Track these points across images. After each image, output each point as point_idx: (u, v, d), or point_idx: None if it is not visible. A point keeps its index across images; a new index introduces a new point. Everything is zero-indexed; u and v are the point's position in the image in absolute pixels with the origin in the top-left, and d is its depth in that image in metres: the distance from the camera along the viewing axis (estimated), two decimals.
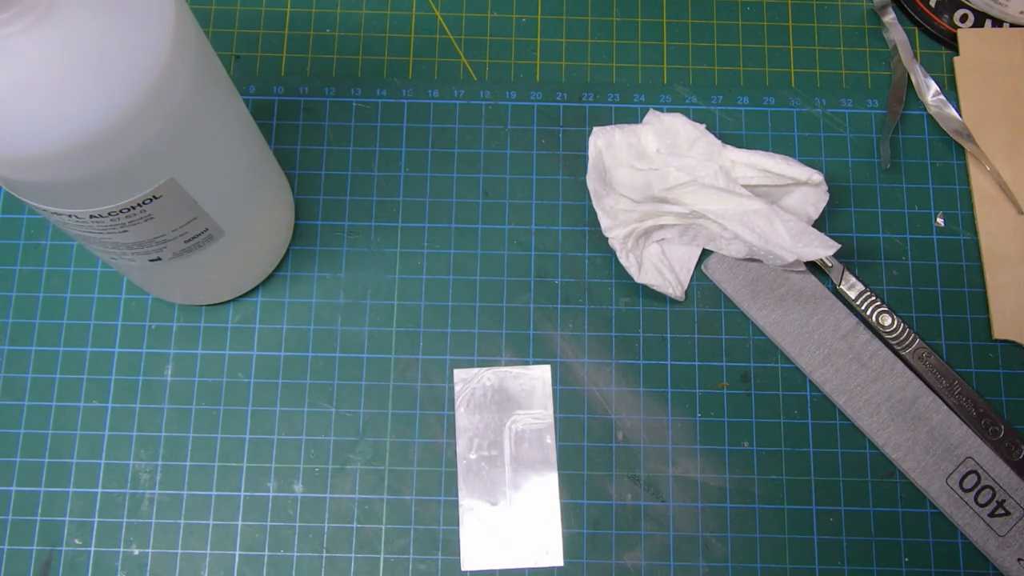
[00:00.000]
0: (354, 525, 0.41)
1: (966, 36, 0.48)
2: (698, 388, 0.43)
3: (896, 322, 0.44)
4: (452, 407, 0.43)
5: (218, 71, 0.33)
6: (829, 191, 0.43)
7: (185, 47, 0.29)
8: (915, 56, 0.48)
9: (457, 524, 0.42)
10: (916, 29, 0.49)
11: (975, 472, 0.42)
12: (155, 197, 0.31)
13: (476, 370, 0.43)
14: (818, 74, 0.48)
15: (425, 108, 0.47)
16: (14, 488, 0.42)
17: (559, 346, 0.44)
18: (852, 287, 0.44)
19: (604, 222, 0.43)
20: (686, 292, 0.44)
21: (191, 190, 0.32)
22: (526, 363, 0.44)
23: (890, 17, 0.49)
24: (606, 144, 0.44)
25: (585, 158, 0.46)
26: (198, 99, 0.30)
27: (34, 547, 0.41)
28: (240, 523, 0.41)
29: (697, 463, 0.42)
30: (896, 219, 0.46)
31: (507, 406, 0.43)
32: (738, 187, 0.41)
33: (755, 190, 0.43)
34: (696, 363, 0.44)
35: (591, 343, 0.44)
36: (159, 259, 0.36)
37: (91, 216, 0.31)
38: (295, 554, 0.41)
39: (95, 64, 0.26)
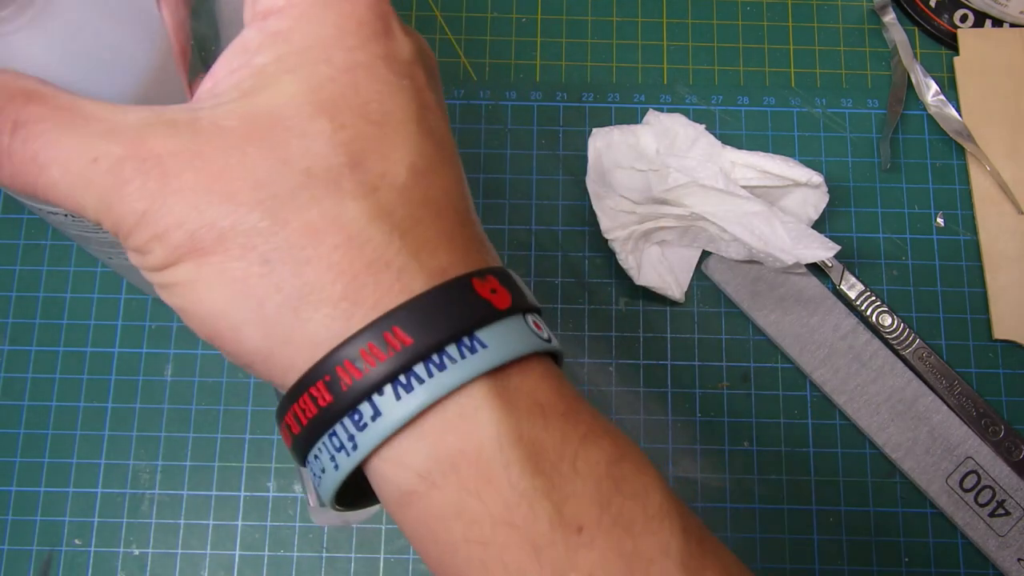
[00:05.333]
0: (354, 525, 0.41)
1: (966, 36, 0.48)
2: (698, 388, 0.43)
3: (896, 322, 0.44)
4: None
5: None
6: (829, 192, 0.43)
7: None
8: (915, 56, 0.48)
9: None
10: (916, 29, 0.49)
11: (975, 472, 0.42)
12: None
13: None
14: (818, 74, 0.48)
15: None
16: (14, 488, 0.42)
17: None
18: (852, 287, 0.44)
19: (604, 223, 0.43)
20: (686, 292, 0.44)
21: None
22: None
23: (890, 17, 0.49)
24: (605, 145, 0.44)
25: (585, 158, 0.46)
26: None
27: (34, 547, 0.41)
28: (240, 523, 0.41)
29: (697, 463, 0.42)
30: (896, 219, 0.46)
31: None
32: (738, 189, 0.41)
33: (755, 191, 0.43)
34: (696, 363, 0.44)
35: (591, 343, 0.44)
36: None
37: None
38: (295, 554, 0.41)
39: (92, 62, 0.26)
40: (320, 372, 0.20)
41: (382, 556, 0.41)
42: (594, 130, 0.44)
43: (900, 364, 0.43)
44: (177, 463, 0.42)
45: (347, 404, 0.20)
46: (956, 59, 0.48)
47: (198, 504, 0.42)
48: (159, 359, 0.44)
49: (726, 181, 0.41)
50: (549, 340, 0.22)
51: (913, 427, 0.42)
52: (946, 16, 0.49)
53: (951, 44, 0.49)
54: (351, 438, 0.20)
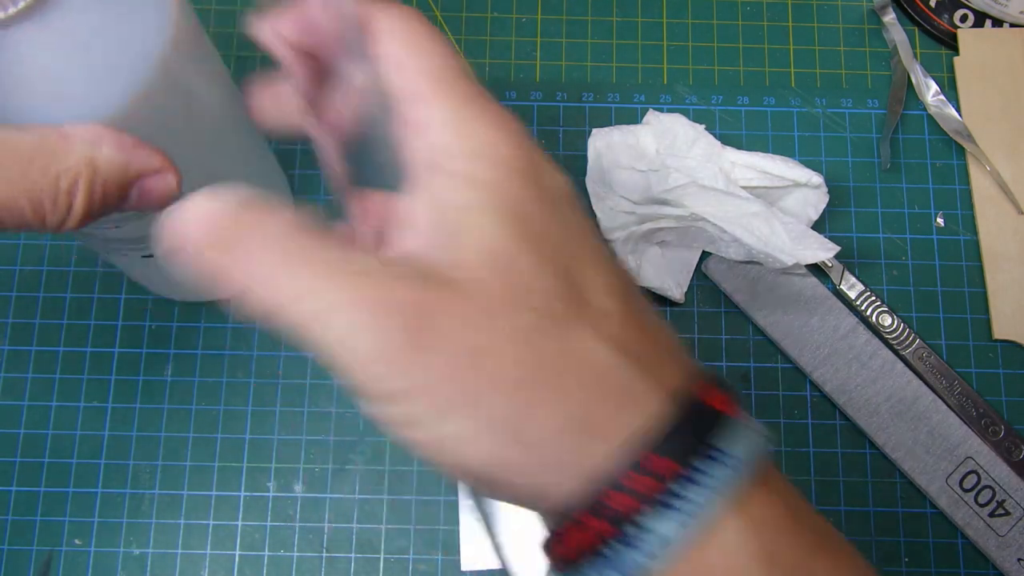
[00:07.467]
0: (354, 525, 0.41)
1: (966, 36, 0.48)
2: None
3: (896, 322, 0.44)
4: None
5: (217, 69, 0.33)
6: (829, 192, 0.43)
7: (184, 46, 0.29)
8: (915, 56, 0.48)
9: (457, 524, 0.42)
10: (916, 29, 0.49)
11: (975, 472, 0.42)
12: None
13: None
14: (818, 74, 0.48)
15: None
16: (14, 488, 0.42)
17: None
18: (852, 287, 0.44)
19: (604, 224, 0.43)
20: (686, 293, 0.44)
21: (184, 188, 0.32)
22: None
23: (890, 17, 0.49)
24: (605, 146, 0.44)
25: (585, 158, 0.46)
26: (196, 98, 0.30)
27: (34, 547, 0.41)
28: (240, 523, 0.41)
29: None
30: (896, 219, 0.46)
31: None
32: (738, 189, 0.41)
33: (754, 191, 0.43)
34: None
35: None
36: (152, 255, 0.36)
37: None
38: (295, 554, 0.41)
39: (92, 61, 0.26)
40: (588, 500, 0.20)
41: (382, 556, 0.41)
42: (594, 130, 0.44)
43: (900, 364, 0.43)
44: (177, 463, 0.42)
45: (624, 531, 0.20)
46: (956, 59, 0.48)
47: (198, 504, 0.42)
48: (159, 359, 0.43)
49: (726, 182, 0.41)
50: (765, 434, 0.22)
51: (913, 427, 0.42)
52: (946, 16, 0.49)
53: (951, 44, 0.49)
54: (636, 563, 0.20)
